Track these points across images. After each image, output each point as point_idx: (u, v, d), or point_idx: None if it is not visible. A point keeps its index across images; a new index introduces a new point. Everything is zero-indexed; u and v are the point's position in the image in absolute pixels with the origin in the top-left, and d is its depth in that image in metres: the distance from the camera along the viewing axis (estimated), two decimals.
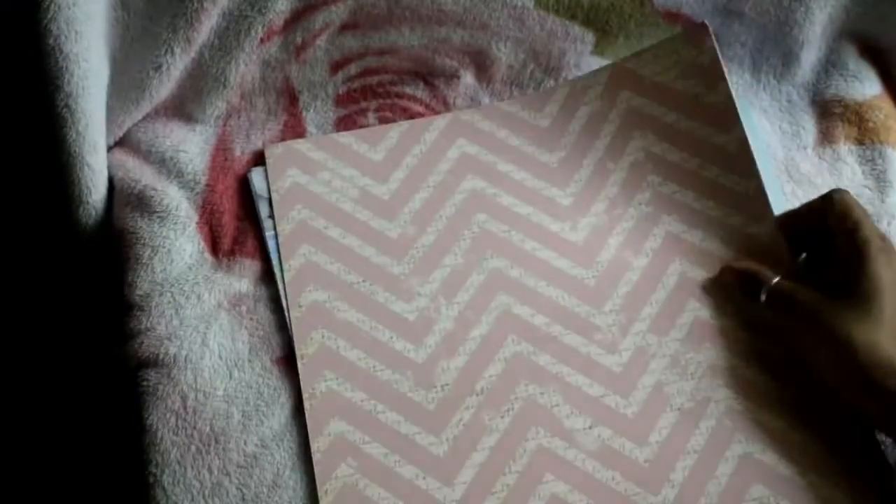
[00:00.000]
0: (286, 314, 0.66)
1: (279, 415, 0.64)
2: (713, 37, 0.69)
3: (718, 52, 0.69)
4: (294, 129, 0.74)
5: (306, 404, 0.63)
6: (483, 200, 0.70)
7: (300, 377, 0.64)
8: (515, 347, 0.65)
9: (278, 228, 0.69)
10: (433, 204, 0.70)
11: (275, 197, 0.70)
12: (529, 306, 0.67)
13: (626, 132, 0.71)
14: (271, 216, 0.70)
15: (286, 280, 0.67)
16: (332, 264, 0.68)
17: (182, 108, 0.72)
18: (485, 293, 0.67)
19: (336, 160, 0.71)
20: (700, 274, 0.67)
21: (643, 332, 0.66)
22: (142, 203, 0.69)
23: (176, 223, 0.68)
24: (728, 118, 0.69)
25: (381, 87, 0.75)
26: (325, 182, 0.71)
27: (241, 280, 0.68)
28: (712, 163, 0.69)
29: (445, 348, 0.65)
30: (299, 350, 0.65)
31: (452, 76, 0.75)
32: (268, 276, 0.68)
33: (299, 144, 0.72)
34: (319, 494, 0.61)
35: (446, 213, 0.70)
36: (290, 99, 0.74)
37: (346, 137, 0.72)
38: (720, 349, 0.65)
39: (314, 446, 0.62)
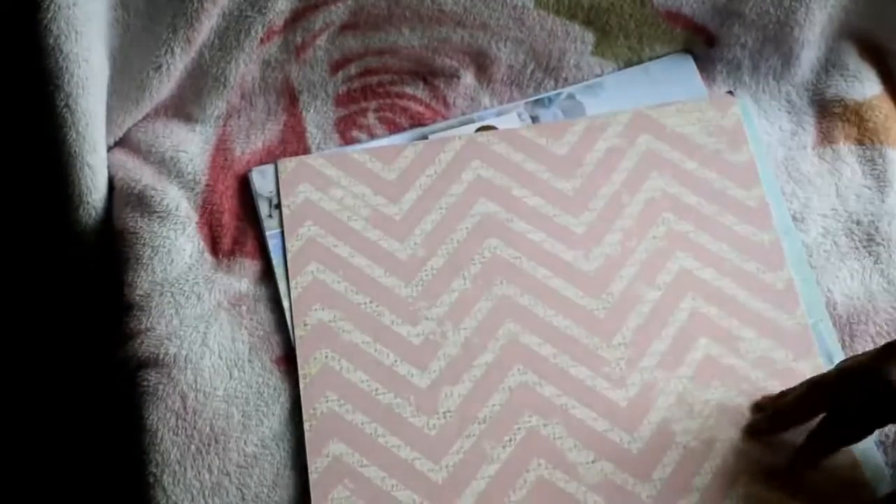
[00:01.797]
0: (290, 327, 0.66)
1: (279, 415, 0.64)
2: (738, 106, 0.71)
3: (743, 121, 0.71)
4: (294, 129, 0.73)
5: (306, 424, 0.63)
6: (495, 225, 0.69)
7: (301, 398, 0.64)
8: (521, 377, 0.65)
9: (287, 244, 0.68)
10: (445, 227, 0.69)
11: (285, 212, 0.69)
12: (537, 335, 0.66)
13: (644, 170, 0.71)
14: (271, 215, 0.70)
15: (293, 298, 0.67)
16: (339, 283, 0.67)
17: (182, 108, 0.72)
18: (492, 320, 0.66)
19: (349, 177, 0.71)
20: (712, 311, 0.67)
21: (651, 367, 0.65)
22: (142, 203, 0.69)
23: (176, 223, 0.68)
24: (749, 177, 0.70)
25: (381, 87, 0.75)
26: (337, 199, 0.70)
27: (241, 280, 0.68)
28: (729, 211, 0.70)
29: (450, 374, 0.65)
30: (302, 370, 0.65)
31: (452, 76, 0.75)
32: (268, 276, 0.68)
33: (312, 160, 0.71)
34: None
35: (457, 237, 0.69)
36: (290, 99, 0.74)
37: (361, 154, 0.72)
38: (728, 388, 0.64)
39: (311, 466, 0.62)
